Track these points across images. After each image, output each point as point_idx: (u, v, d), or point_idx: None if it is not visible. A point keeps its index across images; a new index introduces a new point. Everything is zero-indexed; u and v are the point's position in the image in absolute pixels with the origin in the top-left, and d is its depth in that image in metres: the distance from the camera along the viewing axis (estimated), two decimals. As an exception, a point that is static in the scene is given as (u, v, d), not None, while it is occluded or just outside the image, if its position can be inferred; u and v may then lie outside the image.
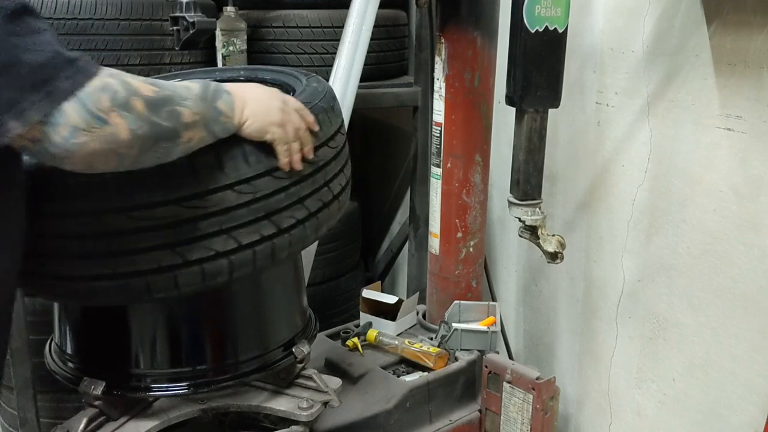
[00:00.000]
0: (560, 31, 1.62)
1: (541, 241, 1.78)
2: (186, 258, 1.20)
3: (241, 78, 1.62)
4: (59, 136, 0.97)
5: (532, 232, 1.79)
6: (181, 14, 2.04)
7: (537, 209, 1.76)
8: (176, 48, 2.11)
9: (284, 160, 1.26)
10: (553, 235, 1.78)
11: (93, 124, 0.99)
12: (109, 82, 1.02)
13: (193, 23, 2.02)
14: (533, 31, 1.60)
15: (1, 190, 1.07)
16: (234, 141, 1.22)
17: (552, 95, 1.67)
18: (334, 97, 1.48)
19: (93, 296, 1.24)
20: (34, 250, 1.18)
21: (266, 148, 1.25)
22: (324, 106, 1.40)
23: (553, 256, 1.77)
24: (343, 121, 1.50)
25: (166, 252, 1.19)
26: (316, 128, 1.34)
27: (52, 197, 1.20)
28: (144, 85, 1.07)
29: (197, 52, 2.31)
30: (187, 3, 2.04)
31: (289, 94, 1.39)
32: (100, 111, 0.99)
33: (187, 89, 1.14)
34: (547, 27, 1.60)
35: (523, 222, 1.78)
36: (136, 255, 1.19)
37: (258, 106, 1.23)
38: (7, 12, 0.95)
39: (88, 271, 1.21)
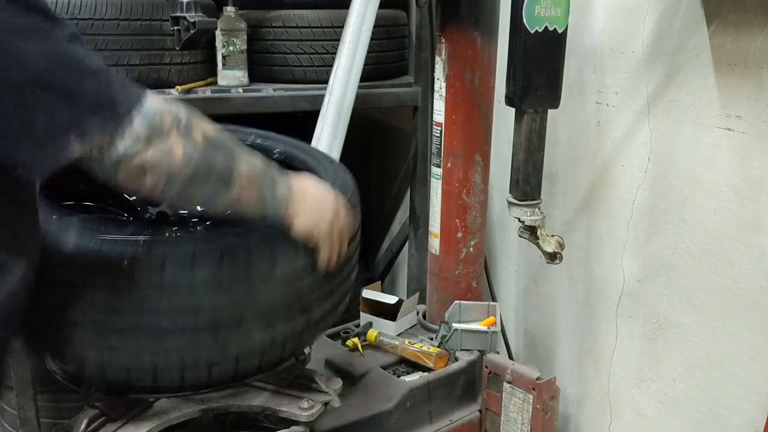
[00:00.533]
0: (560, 31, 1.62)
1: (540, 241, 1.78)
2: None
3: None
4: (122, 145, 0.99)
5: (531, 232, 1.79)
6: (182, 14, 2.04)
7: (536, 209, 1.76)
8: (177, 48, 2.11)
9: (323, 261, 1.29)
10: (553, 236, 1.78)
11: (153, 138, 1.01)
12: (173, 108, 1.06)
13: (194, 23, 2.02)
14: (533, 32, 1.60)
15: (26, 199, 1.09)
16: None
17: (552, 95, 1.67)
18: (356, 186, 1.49)
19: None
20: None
21: None
22: (354, 201, 1.41)
23: (552, 257, 1.77)
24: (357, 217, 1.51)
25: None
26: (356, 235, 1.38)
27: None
28: (208, 124, 1.10)
29: (197, 53, 2.31)
30: (187, 3, 2.03)
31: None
32: (162, 128, 1.02)
33: (251, 152, 1.17)
34: (546, 27, 1.60)
35: (523, 222, 1.78)
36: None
37: (312, 210, 1.25)
38: (68, 34, 0.98)
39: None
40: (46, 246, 1.17)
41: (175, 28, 2.06)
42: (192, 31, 2.03)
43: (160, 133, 1.02)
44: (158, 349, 1.24)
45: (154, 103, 1.03)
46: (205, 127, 1.10)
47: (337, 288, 1.38)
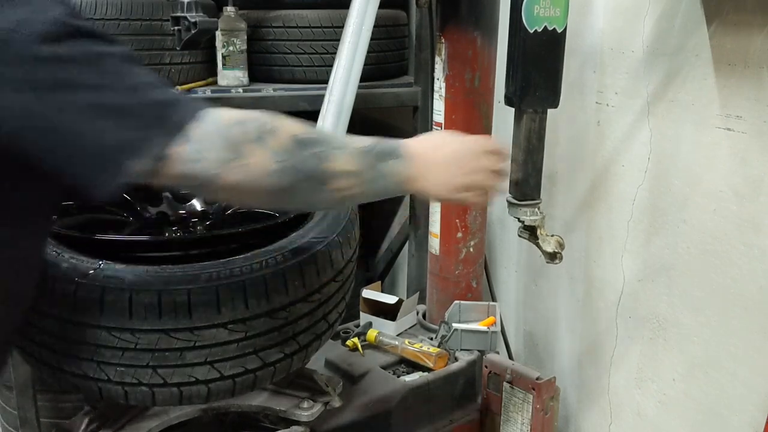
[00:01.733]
0: (559, 31, 1.62)
1: (540, 241, 1.77)
2: (165, 380, 1.23)
3: None
4: (185, 160, 0.95)
5: (531, 232, 1.79)
6: (183, 14, 2.04)
7: (536, 209, 1.76)
8: (177, 48, 2.11)
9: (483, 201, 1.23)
10: (552, 236, 1.78)
11: (219, 150, 0.97)
12: (247, 117, 1.01)
13: (194, 23, 2.02)
14: (532, 32, 1.59)
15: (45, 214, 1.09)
16: (236, 287, 1.22)
17: (551, 95, 1.67)
18: (353, 222, 1.47)
19: (77, 391, 1.30)
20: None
21: (269, 292, 1.25)
22: (339, 240, 1.39)
23: (552, 257, 1.77)
24: (356, 248, 1.48)
25: (148, 371, 1.22)
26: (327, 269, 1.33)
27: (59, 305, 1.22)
28: (293, 125, 1.04)
29: (197, 52, 2.31)
30: (188, 3, 2.03)
31: None
32: (232, 139, 0.97)
33: (350, 140, 1.10)
34: (546, 27, 1.60)
35: (522, 222, 1.78)
36: (120, 367, 1.22)
37: (440, 173, 1.16)
38: (123, 54, 0.96)
39: (77, 370, 1.24)
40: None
41: (176, 28, 2.06)
42: (193, 31, 2.03)
43: (230, 145, 0.97)
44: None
45: (218, 114, 0.98)
46: (289, 129, 1.02)
47: (303, 331, 1.34)
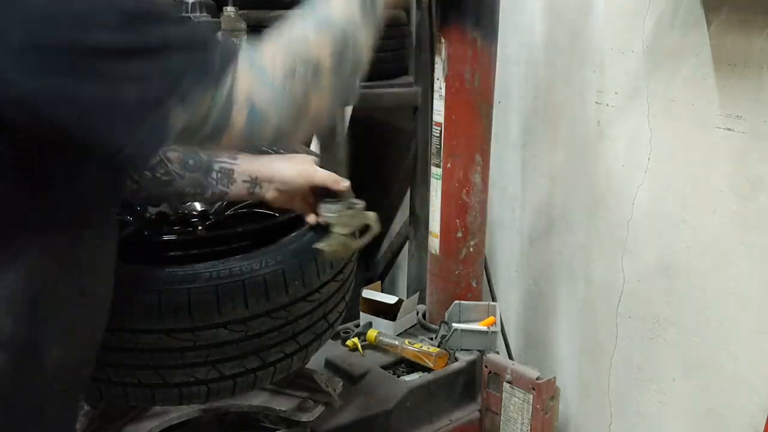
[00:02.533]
0: None
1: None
2: (166, 380, 1.22)
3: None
4: (230, 106, 0.86)
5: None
6: (187, 14, 2.04)
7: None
8: None
9: None
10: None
11: (288, 113, 0.90)
12: (290, 48, 0.92)
13: (198, 23, 2.02)
14: None
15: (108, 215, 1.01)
16: (236, 286, 1.22)
17: None
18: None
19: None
20: None
21: (269, 291, 1.24)
22: None
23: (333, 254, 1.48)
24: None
25: (148, 371, 1.22)
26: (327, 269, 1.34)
27: None
28: (322, 45, 0.94)
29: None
30: (192, 3, 2.04)
31: None
32: (279, 75, 0.89)
33: (352, 16, 0.99)
34: None
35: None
36: (120, 368, 1.22)
37: None
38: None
39: None
40: None
41: None
42: (197, 31, 2.03)
43: (285, 81, 0.89)
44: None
45: (263, 49, 0.89)
46: (324, 53, 0.93)
47: (303, 330, 1.34)
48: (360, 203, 1.45)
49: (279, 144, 0.91)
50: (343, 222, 1.40)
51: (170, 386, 1.23)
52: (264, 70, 0.90)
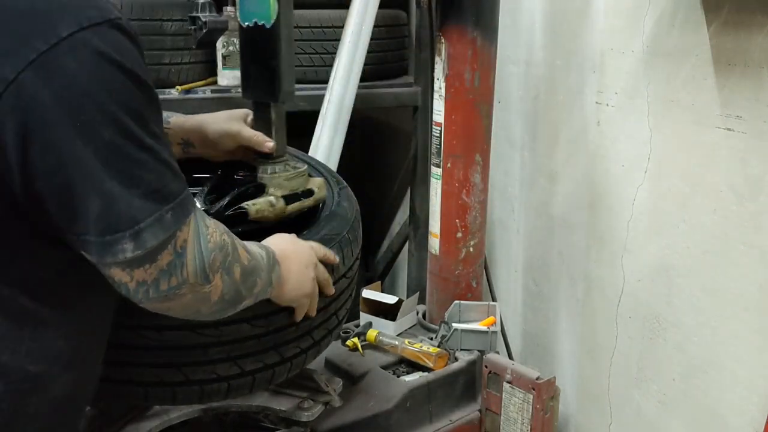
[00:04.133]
0: (267, 26, 1.48)
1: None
2: (188, 377, 1.22)
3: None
4: (165, 285, 0.94)
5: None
6: (197, 14, 2.05)
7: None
8: (193, 47, 2.13)
9: (299, 318, 1.27)
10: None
11: (199, 280, 0.97)
12: (225, 241, 1.02)
13: (205, 23, 2.03)
14: (245, 26, 1.52)
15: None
16: None
17: (270, 89, 1.52)
18: (358, 220, 1.48)
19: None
20: None
21: None
22: (350, 238, 1.39)
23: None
24: (360, 246, 1.48)
25: (171, 369, 1.22)
26: (340, 266, 1.34)
27: None
28: (243, 252, 1.07)
29: (197, 53, 2.32)
30: (202, 3, 2.05)
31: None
32: (210, 269, 0.98)
33: (261, 258, 1.13)
34: (256, 22, 1.53)
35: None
36: (141, 368, 1.22)
37: (296, 281, 1.22)
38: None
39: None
40: None
41: (192, 27, 2.08)
42: (204, 31, 2.04)
43: (207, 276, 0.98)
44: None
45: (206, 230, 0.98)
46: (243, 255, 1.06)
47: (318, 326, 1.35)
48: (302, 167, 1.44)
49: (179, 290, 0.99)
50: (278, 183, 1.37)
51: (192, 383, 1.23)
52: (205, 232, 0.99)
